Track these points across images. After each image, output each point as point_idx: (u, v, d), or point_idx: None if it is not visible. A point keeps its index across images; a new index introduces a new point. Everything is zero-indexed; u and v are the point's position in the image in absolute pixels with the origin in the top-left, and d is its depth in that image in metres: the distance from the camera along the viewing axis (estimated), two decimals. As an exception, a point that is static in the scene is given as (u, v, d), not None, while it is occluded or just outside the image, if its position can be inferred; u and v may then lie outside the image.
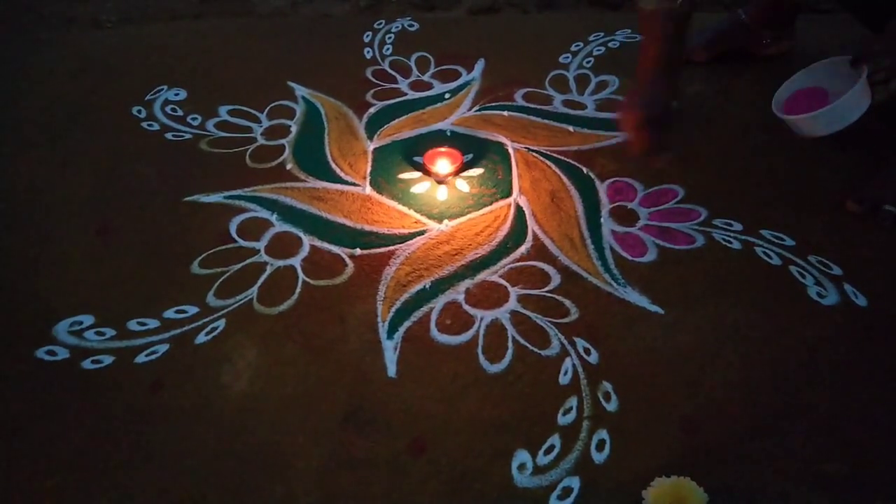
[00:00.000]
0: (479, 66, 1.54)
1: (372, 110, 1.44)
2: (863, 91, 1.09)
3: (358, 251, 1.17)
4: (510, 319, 1.07)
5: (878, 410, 0.95)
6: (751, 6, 1.43)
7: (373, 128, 1.40)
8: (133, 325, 1.08)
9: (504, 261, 1.15)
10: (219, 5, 1.83)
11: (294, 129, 1.41)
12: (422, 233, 1.20)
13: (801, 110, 1.15)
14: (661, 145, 1.19)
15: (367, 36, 1.64)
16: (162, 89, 1.51)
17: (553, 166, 1.30)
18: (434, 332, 1.06)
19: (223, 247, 1.19)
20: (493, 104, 1.44)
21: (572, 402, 0.97)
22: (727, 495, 0.87)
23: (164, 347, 1.05)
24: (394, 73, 1.53)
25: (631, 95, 1.20)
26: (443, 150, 1.31)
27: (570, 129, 1.38)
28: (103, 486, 0.91)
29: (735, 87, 1.42)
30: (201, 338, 1.06)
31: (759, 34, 1.44)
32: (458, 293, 1.11)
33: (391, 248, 1.18)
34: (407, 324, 1.07)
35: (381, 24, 1.67)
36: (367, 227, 1.21)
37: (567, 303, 1.09)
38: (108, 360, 1.04)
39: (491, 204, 1.25)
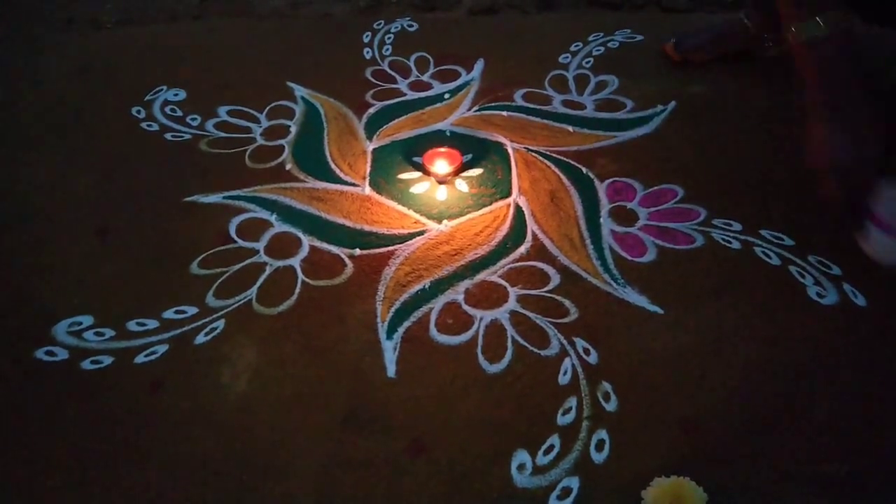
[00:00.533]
0: (479, 66, 1.54)
1: (371, 110, 1.44)
2: None
3: (357, 251, 1.17)
4: (510, 319, 1.07)
5: (878, 410, 0.95)
6: (754, 12, 1.41)
7: (372, 128, 1.40)
8: (132, 325, 1.08)
9: (503, 261, 1.15)
10: (218, 6, 1.83)
11: (293, 129, 1.41)
12: (421, 233, 1.20)
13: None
14: (856, 213, 0.95)
15: (367, 36, 1.64)
16: (161, 90, 1.51)
17: (552, 166, 1.30)
18: (433, 332, 1.06)
19: (222, 247, 1.19)
20: (493, 104, 1.44)
21: (572, 402, 0.97)
22: (726, 495, 0.87)
23: (163, 348, 1.05)
24: (393, 73, 1.53)
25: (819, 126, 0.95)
26: (442, 150, 1.31)
27: (570, 129, 1.38)
28: (102, 486, 0.91)
29: (735, 87, 1.42)
30: (200, 338, 1.06)
31: (761, 38, 1.44)
32: (457, 293, 1.11)
33: (390, 248, 1.18)
34: (406, 324, 1.07)
35: (380, 24, 1.67)
36: (367, 228, 1.21)
37: (566, 303, 1.09)
38: (107, 360, 1.04)
39: (490, 204, 1.25)
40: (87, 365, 1.03)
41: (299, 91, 1.49)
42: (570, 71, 1.51)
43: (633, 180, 1.27)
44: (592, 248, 1.16)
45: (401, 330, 1.06)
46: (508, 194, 1.26)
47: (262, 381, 1.01)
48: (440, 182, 1.28)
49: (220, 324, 1.08)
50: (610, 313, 1.07)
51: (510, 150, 1.34)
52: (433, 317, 1.08)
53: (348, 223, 1.22)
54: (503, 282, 1.12)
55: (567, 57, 1.55)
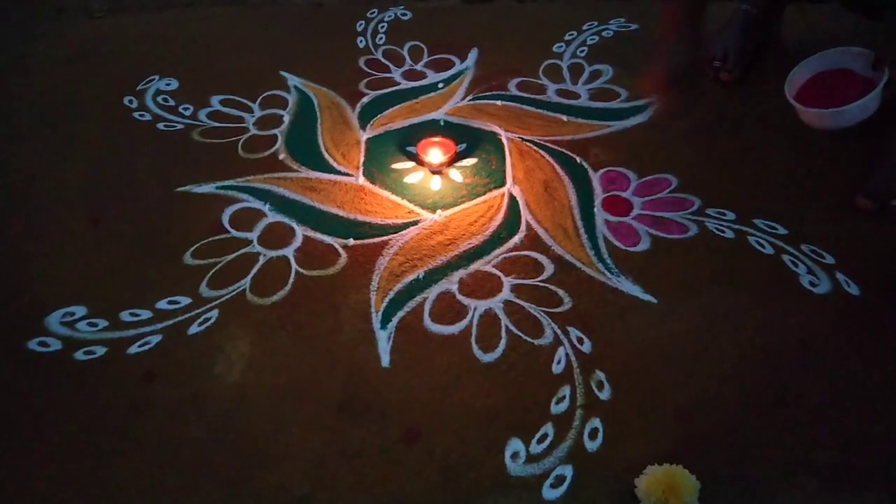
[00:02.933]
0: (473, 55, 1.53)
1: (365, 100, 1.44)
2: (880, 94, 1.12)
3: (351, 241, 1.17)
4: (503, 309, 1.07)
5: (869, 399, 0.95)
6: None
7: (366, 117, 1.40)
8: (125, 315, 1.08)
9: (497, 251, 1.15)
10: (210, -6, 1.82)
11: (286, 118, 1.40)
12: (415, 223, 1.20)
13: (812, 97, 1.18)
14: (684, 104, 1.14)
15: (360, 25, 1.63)
16: (153, 79, 1.50)
17: (546, 156, 1.30)
18: (427, 321, 1.06)
19: (216, 237, 1.18)
20: (487, 94, 1.44)
21: (565, 390, 0.97)
22: (719, 483, 0.87)
23: (156, 338, 1.05)
24: (387, 62, 1.52)
25: (655, 51, 1.10)
26: (436, 139, 1.30)
27: (564, 118, 1.38)
28: (96, 477, 0.91)
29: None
30: (194, 328, 1.06)
31: (770, 20, 1.42)
32: (451, 283, 1.11)
33: (384, 238, 1.17)
34: (400, 314, 1.07)
35: (373, 13, 1.66)
36: (361, 218, 1.21)
37: (560, 292, 1.09)
38: (100, 350, 1.04)
39: (484, 194, 1.24)
40: (80, 355, 1.03)
41: (292, 80, 1.49)
42: (565, 60, 1.51)
43: (627, 170, 1.27)
44: (586, 237, 1.16)
45: (395, 320, 1.06)
46: (502, 184, 1.26)
47: (256, 371, 1.01)
48: (434, 172, 1.28)
49: (214, 314, 1.08)
50: (604, 303, 1.07)
51: (504, 140, 1.34)
52: (427, 306, 1.08)
53: (342, 213, 1.22)
54: (497, 271, 1.12)
55: (561, 46, 1.54)
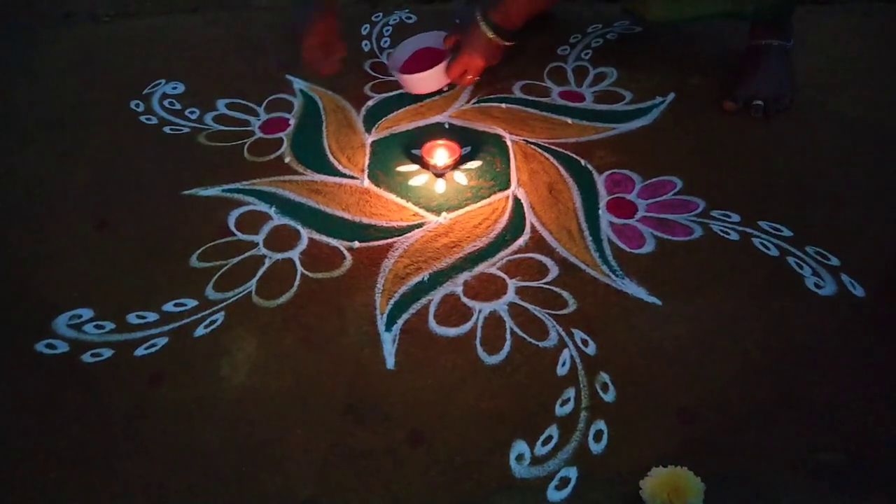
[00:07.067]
0: (477, 58, 1.53)
1: (370, 103, 1.44)
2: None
3: (356, 244, 1.18)
4: (508, 311, 1.07)
5: (875, 400, 0.95)
6: None
7: (371, 120, 1.40)
8: (132, 318, 1.08)
9: (502, 253, 1.15)
10: (216, -2, 1.83)
11: (292, 122, 1.41)
12: (420, 225, 1.20)
13: (411, 69, 1.37)
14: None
15: (365, 28, 1.63)
16: (160, 83, 1.51)
17: (551, 158, 1.30)
18: (432, 324, 1.06)
19: (222, 240, 1.19)
20: (491, 96, 1.44)
21: (570, 392, 0.97)
22: (724, 485, 0.87)
23: (163, 340, 1.05)
24: (392, 65, 1.53)
25: (475, 37, 1.33)
26: (441, 142, 1.31)
27: (569, 121, 1.38)
28: (103, 479, 0.91)
29: (733, 78, 1.42)
30: (200, 331, 1.06)
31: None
32: (456, 285, 1.11)
33: (389, 240, 1.18)
34: (405, 316, 1.07)
35: (378, 16, 1.67)
36: (366, 220, 1.22)
37: (565, 294, 1.09)
38: (107, 353, 1.04)
39: (489, 196, 1.25)
40: (87, 358, 1.04)
41: (298, 84, 1.49)
42: (569, 63, 1.51)
43: (632, 172, 1.27)
44: (591, 239, 1.17)
45: (400, 322, 1.07)
46: (507, 186, 1.26)
47: (262, 374, 1.01)
48: (439, 174, 1.29)
49: (220, 316, 1.08)
50: (608, 304, 1.07)
51: (509, 143, 1.34)
52: (432, 309, 1.08)
53: (347, 216, 1.22)
54: (502, 274, 1.12)
55: (566, 49, 1.55)
